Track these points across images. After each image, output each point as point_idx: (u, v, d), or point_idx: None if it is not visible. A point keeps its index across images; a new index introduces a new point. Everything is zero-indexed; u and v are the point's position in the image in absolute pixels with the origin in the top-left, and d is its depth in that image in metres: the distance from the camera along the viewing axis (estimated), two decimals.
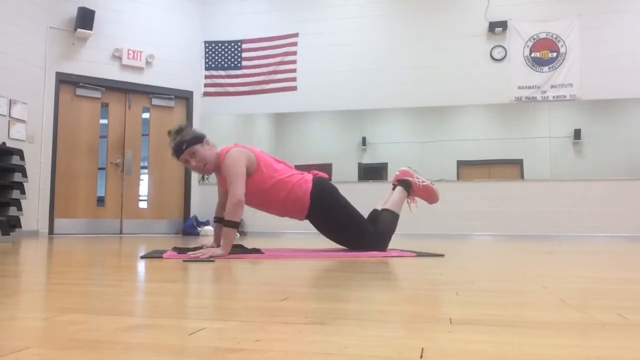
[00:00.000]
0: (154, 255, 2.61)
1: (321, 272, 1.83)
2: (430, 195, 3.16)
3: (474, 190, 6.82)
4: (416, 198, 3.18)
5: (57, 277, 1.61)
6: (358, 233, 2.92)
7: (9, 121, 5.90)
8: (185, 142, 2.73)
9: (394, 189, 3.16)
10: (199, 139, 2.78)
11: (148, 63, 7.21)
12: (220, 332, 0.80)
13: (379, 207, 3.10)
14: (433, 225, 6.77)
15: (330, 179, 3.10)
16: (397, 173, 3.21)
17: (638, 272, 1.84)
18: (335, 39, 7.40)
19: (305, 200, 2.83)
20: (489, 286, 1.42)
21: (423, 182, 3.14)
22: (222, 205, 2.94)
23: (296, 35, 7.50)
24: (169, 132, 2.82)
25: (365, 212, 3.17)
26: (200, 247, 2.76)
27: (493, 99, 6.91)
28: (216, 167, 2.84)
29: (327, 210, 2.89)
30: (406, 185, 3.12)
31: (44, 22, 6.48)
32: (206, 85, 7.70)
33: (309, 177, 2.91)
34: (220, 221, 2.86)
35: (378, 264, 2.22)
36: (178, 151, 2.75)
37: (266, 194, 2.81)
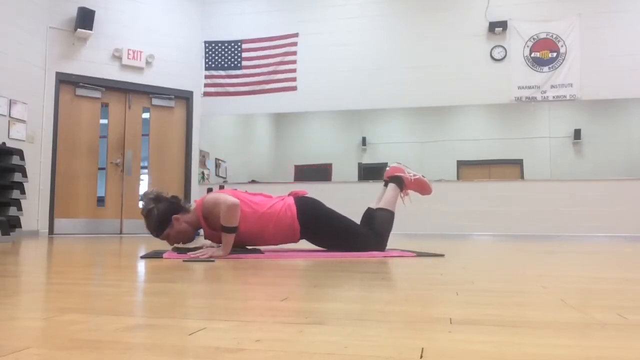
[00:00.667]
0: (154, 255, 2.61)
1: (321, 272, 1.83)
2: (423, 188, 3.18)
3: (474, 190, 6.83)
4: (409, 191, 3.18)
5: (57, 277, 1.61)
6: (352, 238, 2.92)
7: (9, 121, 5.90)
8: (155, 232, 2.79)
9: (385, 185, 3.17)
10: (165, 221, 2.75)
11: (148, 63, 7.21)
12: (220, 332, 0.80)
13: (374, 206, 3.10)
14: (433, 225, 6.77)
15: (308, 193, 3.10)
16: (388, 169, 3.22)
17: (638, 272, 1.84)
18: (335, 39, 7.40)
19: (295, 225, 2.82)
20: (489, 286, 1.42)
21: (414, 175, 3.15)
22: None
23: (296, 35, 7.50)
24: (142, 199, 2.82)
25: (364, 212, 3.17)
26: (200, 247, 2.76)
27: (493, 99, 6.91)
28: (197, 225, 2.82)
29: (318, 226, 2.89)
30: (398, 181, 3.12)
31: (44, 22, 6.48)
32: (206, 85, 7.70)
33: (290, 200, 2.89)
34: None
35: (378, 264, 2.22)
36: (152, 235, 2.83)
37: (254, 230, 2.79)
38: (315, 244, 3.01)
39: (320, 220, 2.89)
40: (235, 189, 2.98)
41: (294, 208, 2.85)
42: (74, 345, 0.72)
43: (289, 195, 2.98)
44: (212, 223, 2.72)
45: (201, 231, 2.95)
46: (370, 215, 3.07)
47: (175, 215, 2.76)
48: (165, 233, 2.77)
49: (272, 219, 2.80)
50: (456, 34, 7.09)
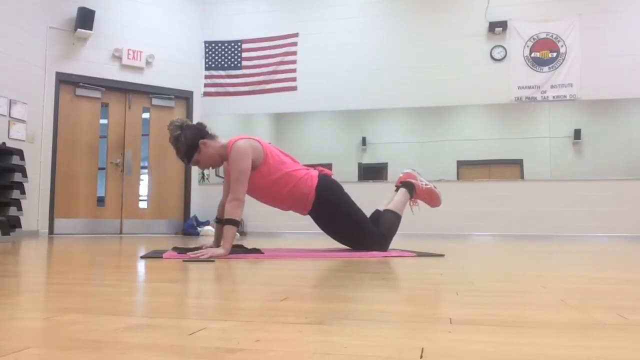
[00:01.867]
0: (154, 255, 2.61)
1: (321, 272, 1.83)
2: (432, 199, 3.16)
3: (474, 190, 6.82)
4: (418, 200, 3.18)
5: (57, 277, 1.61)
6: (359, 232, 2.92)
7: (9, 121, 5.90)
8: (185, 159, 2.79)
9: (396, 190, 3.16)
10: (193, 146, 2.76)
11: (148, 63, 7.21)
12: (220, 332, 0.80)
13: (381, 208, 3.11)
14: (433, 225, 6.77)
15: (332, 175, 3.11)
16: (401, 175, 3.22)
17: (638, 272, 1.84)
18: (335, 39, 7.40)
19: (310, 196, 2.84)
20: (489, 286, 1.42)
21: (426, 184, 3.14)
22: (224, 204, 2.93)
23: (296, 35, 7.50)
24: (169, 127, 2.81)
25: (365, 212, 3.17)
26: (200, 247, 2.76)
27: (493, 99, 6.91)
28: (224, 158, 2.84)
29: (330, 207, 2.89)
30: (409, 187, 3.12)
31: (44, 22, 6.48)
32: (206, 85, 7.70)
33: (314, 173, 2.92)
34: (221, 222, 2.86)
35: (378, 264, 2.22)
36: (183, 162, 2.84)
37: (272, 186, 2.81)
38: (320, 226, 3.01)
39: (340, 203, 2.90)
40: (270, 143, 2.98)
41: (315, 180, 2.87)
42: (74, 345, 0.72)
43: (315, 169, 2.99)
44: None
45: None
46: (377, 216, 3.07)
47: (202, 140, 2.77)
48: (194, 159, 2.78)
49: (291, 182, 2.82)
50: (456, 34, 7.09)
